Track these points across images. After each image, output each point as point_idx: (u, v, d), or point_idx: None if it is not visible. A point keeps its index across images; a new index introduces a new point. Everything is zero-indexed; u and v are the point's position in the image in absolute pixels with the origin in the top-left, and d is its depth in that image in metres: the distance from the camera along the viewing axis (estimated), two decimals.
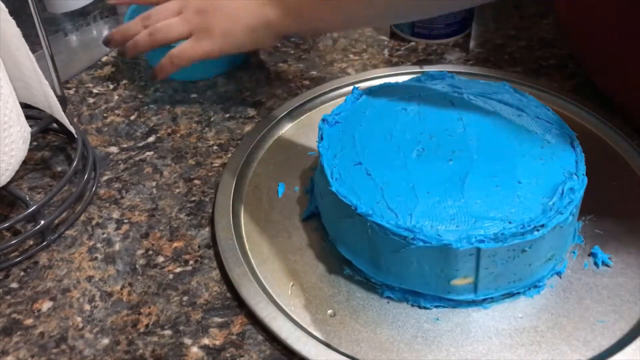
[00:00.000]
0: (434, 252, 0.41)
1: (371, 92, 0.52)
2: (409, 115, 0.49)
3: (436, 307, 0.44)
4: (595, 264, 0.46)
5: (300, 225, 0.50)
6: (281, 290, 0.45)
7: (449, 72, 0.54)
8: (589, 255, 0.47)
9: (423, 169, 0.45)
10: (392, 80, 0.59)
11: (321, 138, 0.48)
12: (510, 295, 0.44)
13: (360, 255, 0.45)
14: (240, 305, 0.45)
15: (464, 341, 0.42)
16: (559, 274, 0.45)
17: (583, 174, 0.44)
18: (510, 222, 0.41)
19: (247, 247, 0.48)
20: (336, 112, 0.50)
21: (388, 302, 0.45)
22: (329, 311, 0.44)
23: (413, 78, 0.54)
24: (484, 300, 0.44)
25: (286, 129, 0.58)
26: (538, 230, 0.41)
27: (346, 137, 0.48)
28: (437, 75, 0.54)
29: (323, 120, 0.50)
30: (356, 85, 0.53)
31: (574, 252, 0.47)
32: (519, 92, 0.52)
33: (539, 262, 0.43)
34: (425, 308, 0.44)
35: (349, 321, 0.43)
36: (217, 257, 0.48)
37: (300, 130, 0.58)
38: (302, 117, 0.59)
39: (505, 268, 0.42)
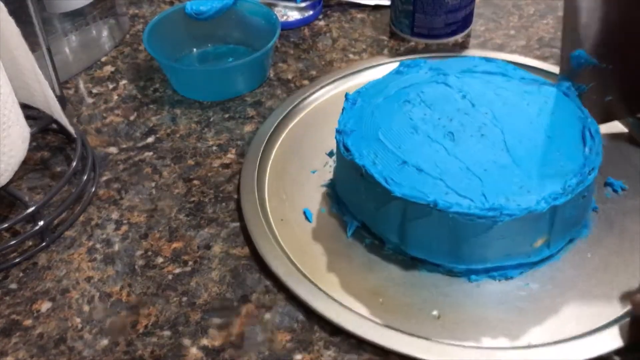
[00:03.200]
0: (517, 223, 0.43)
1: (364, 93, 0.52)
2: (416, 106, 0.49)
3: (520, 273, 0.46)
4: (615, 191, 0.52)
5: (350, 241, 0.49)
6: (368, 306, 0.45)
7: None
8: (604, 185, 0.52)
9: (464, 150, 0.46)
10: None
11: (347, 149, 0.47)
12: (571, 241, 0.48)
13: (438, 251, 0.45)
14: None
15: (565, 290, 0.45)
16: (595, 210, 0.50)
17: (588, 114, 0.49)
18: (567, 174, 0.44)
19: (311, 278, 0.46)
20: (344, 122, 0.49)
21: (478, 286, 0.46)
22: (434, 312, 0.44)
23: (392, 71, 0.54)
24: (557, 252, 0.47)
25: (278, 146, 0.57)
26: (590, 174, 0.45)
27: (371, 142, 0.47)
28: (413, 64, 0.54)
29: (339, 132, 0.49)
30: (347, 92, 0.52)
31: None
32: (491, 60, 0.54)
33: (589, 204, 0.48)
34: (511, 278, 0.46)
35: (460, 315, 0.44)
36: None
37: (292, 147, 0.57)
38: (293, 132, 0.59)
39: (570, 217, 0.45)
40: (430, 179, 0.44)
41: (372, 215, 0.48)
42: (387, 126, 0.48)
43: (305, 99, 0.61)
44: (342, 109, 0.51)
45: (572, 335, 0.42)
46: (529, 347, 0.42)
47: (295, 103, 0.60)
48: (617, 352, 0.41)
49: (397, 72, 0.54)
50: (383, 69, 0.63)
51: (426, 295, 0.45)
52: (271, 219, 0.50)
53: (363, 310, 0.44)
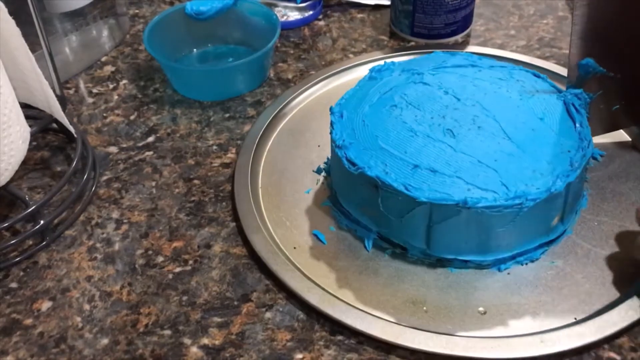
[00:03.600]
0: (539, 206, 0.43)
1: (346, 104, 0.51)
2: (404, 109, 0.49)
3: (542, 253, 0.47)
4: (595, 158, 0.54)
5: (371, 254, 0.48)
6: (416, 316, 0.44)
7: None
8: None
9: (468, 144, 0.46)
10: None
11: (353, 164, 0.46)
12: (575, 212, 0.50)
13: (466, 248, 0.45)
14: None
15: (588, 261, 0.47)
16: (586, 179, 0.51)
17: (563, 89, 0.51)
18: (569, 151, 0.46)
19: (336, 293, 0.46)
20: (338, 136, 0.48)
21: (509, 273, 0.46)
22: (480, 309, 0.44)
23: (364, 78, 0.54)
24: (569, 226, 0.49)
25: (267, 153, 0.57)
26: (589, 146, 0.46)
27: (374, 152, 0.46)
28: (383, 68, 0.54)
29: (339, 147, 0.47)
30: (331, 106, 0.51)
31: None
32: (455, 54, 0.55)
33: (585, 174, 0.50)
34: (537, 259, 0.47)
35: (503, 306, 0.44)
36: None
37: (279, 166, 0.56)
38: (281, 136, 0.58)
39: (577, 190, 0.47)
40: (447, 179, 0.44)
41: (393, 225, 0.47)
42: (384, 133, 0.48)
43: (289, 101, 0.61)
44: (331, 124, 0.49)
45: (609, 303, 0.44)
46: (576, 323, 0.43)
47: (278, 108, 0.60)
48: None
49: (370, 78, 0.53)
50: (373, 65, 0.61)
51: (465, 294, 0.45)
52: (284, 248, 0.48)
53: (412, 321, 0.43)
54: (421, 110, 0.49)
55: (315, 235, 0.49)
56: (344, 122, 0.49)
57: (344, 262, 0.47)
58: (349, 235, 0.49)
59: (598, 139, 0.54)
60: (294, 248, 0.48)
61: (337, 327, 0.43)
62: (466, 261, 0.46)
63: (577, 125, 0.48)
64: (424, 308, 0.44)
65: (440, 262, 0.47)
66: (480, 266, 0.47)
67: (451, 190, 0.43)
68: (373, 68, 0.54)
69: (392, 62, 0.55)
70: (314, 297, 0.44)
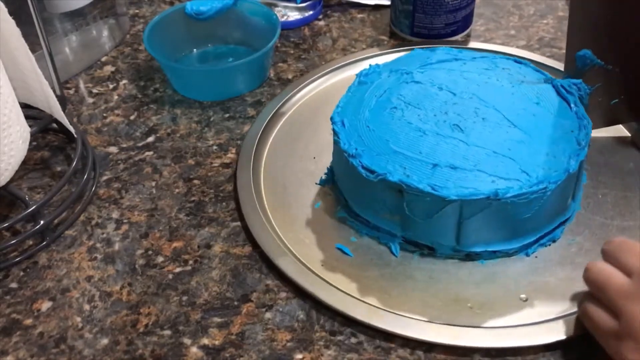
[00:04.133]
0: (560, 187, 0.44)
1: (344, 112, 0.50)
2: (405, 110, 0.49)
3: (561, 232, 0.48)
4: None
5: (400, 259, 0.47)
6: (462, 314, 0.44)
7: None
8: None
9: (478, 136, 0.47)
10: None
11: (371, 172, 0.45)
12: (580, 189, 0.51)
13: (495, 239, 0.46)
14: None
15: (604, 233, 0.48)
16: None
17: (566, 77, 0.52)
18: (572, 131, 0.47)
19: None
20: (346, 145, 0.47)
21: (536, 257, 0.47)
22: (522, 296, 0.45)
23: (354, 83, 0.53)
24: (577, 203, 0.50)
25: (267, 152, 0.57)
26: (589, 124, 0.48)
27: (389, 156, 0.46)
28: (370, 71, 0.54)
29: (352, 156, 0.47)
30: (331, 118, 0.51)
31: None
32: (434, 49, 0.55)
33: None
34: (557, 239, 0.48)
35: (543, 291, 0.45)
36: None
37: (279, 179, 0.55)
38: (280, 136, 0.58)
39: (582, 168, 0.48)
40: (469, 173, 0.44)
41: (419, 226, 0.46)
42: (394, 136, 0.47)
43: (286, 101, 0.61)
44: (335, 133, 0.49)
45: None
46: None
47: (276, 108, 0.60)
48: None
49: (359, 83, 0.53)
50: (373, 61, 0.61)
51: (503, 284, 0.46)
52: (311, 267, 0.47)
53: (461, 320, 0.43)
54: (422, 109, 0.49)
55: (339, 249, 0.48)
56: (347, 130, 0.49)
57: (374, 271, 0.47)
58: (372, 243, 0.49)
59: (596, 133, 0.54)
60: (322, 265, 0.47)
61: (390, 338, 0.43)
62: (495, 251, 0.47)
63: (572, 105, 0.49)
64: (468, 304, 0.44)
65: (469, 256, 0.47)
66: (507, 254, 0.47)
67: (477, 185, 0.44)
68: (360, 73, 0.54)
69: (377, 65, 0.55)
70: (360, 312, 0.44)
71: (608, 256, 0.40)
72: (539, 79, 0.52)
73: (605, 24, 0.50)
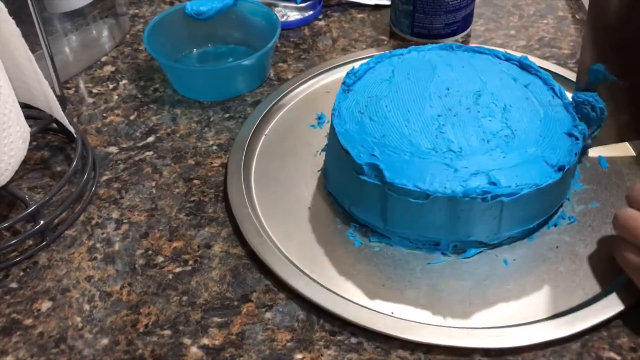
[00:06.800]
0: (573, 168, 0.47)
1: (339, 113, 0.50)
2: (399, 105, 0.50)
3: (570, 223, 0.49)
4: None
5: (432, 265, 0.47)
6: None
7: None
8: None
9: (475, 127, 0.48)
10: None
11: (385, 181, 0.45)
12: None
13: (531, 221, 0.47)
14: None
15: (604, 214, 0.50)
16: None
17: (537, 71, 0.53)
18: (570, 118, 0.49)
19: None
20: (362, 158, 0.46)
21: (557, 248, 0.48)
22: (519, 294, 0.45)
23: (340, 91, 0.52)
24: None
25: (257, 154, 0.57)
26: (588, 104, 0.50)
27: (399, 157, 0.46)
28: (359, 70, 0.54)
29: (374, 167, 0.45)
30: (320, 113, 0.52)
31: None
32: (420, 49, 0.56)
33: None
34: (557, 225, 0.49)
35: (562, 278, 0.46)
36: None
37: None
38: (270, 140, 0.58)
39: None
40: (490, 156, 0.46)
41: (458, 228, 0.46)
42: (398, 138, 0.47)
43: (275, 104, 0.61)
44: (346, 151, 0.47)
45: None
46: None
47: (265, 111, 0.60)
48: None
49: (348, 82, 0.53)
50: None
51: (501, 283, 0.46)
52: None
53: (459, 321, 0.43)
54: (412, 100, 0.50)
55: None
56: (350, 130, 0.48)
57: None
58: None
59: (602, 150, 0.54)
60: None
61: (389, 339, 0.43)
62: (515, 238, 0.48)
63: (557, 91, 0.51)
64: (468, 304, 0.44)
65: (465, 254, 0.47)
66: (514, 239, 0.48)
67: (530, 175, 0.45)
68: (347, 76, 0.53)
69: (362, 66, 0.54)
70: (358, 315, 0.43)
71: (633, 201, 0.43)
72: (520, 76, 0.53)
73: (619, 40, 0.49)
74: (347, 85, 0.53)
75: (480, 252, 0.47)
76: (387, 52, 0.56)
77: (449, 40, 0.69)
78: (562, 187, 0.47)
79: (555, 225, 0.49)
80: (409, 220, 0.46)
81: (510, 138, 0.47)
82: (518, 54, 0.56)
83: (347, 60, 0.65)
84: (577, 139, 0.47)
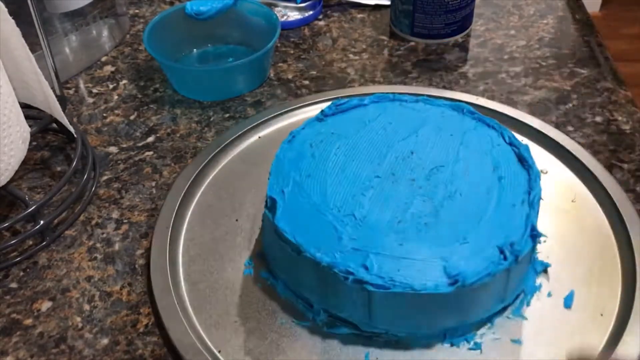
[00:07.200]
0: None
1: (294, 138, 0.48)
2: (350, 150, 0.46)
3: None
4: None
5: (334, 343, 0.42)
6: None
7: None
8: None
9: (401, 201, 0.43)
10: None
11: (272, 220, 0.42)
12: None
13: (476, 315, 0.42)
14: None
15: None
16: None
17: (510, 141, 0.47)
18: (514, 204, 0.43)
19: None
20: (275, 174, 0.44)
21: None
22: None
23: (321, 112, 0.50)
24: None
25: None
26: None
27: (303, 202, 0.42)
28: (345, 104, 0.51)
29: (272, 200, 0.43)
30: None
31: None
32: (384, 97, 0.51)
33: None
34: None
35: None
36: None
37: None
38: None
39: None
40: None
41: (328, 298, 0.42)
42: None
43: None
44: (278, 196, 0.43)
45: None
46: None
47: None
48: None
49: (317, 119, 0.50)
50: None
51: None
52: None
53: None
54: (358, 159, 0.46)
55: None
56: (300, 188, 0.44)
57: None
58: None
59: None
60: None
61: None
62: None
63: (506, 137, 0.47)
64: None
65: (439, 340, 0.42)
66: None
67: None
68: (325, 111, 0.50)
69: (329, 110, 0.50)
70: None
71: None
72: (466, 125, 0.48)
73: None
74: (323, 115, 0.50)
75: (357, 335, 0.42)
76: (394, 94, 0.52)
77: (449, 40, 0.69)
78: (458, 303, 0.40)
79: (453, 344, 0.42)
80: (287, 265, 0.43)
81: (428, 228, 0.41)
82: (526, 141, 0.53)
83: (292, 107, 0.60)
84: (505, 258, 0.40)
